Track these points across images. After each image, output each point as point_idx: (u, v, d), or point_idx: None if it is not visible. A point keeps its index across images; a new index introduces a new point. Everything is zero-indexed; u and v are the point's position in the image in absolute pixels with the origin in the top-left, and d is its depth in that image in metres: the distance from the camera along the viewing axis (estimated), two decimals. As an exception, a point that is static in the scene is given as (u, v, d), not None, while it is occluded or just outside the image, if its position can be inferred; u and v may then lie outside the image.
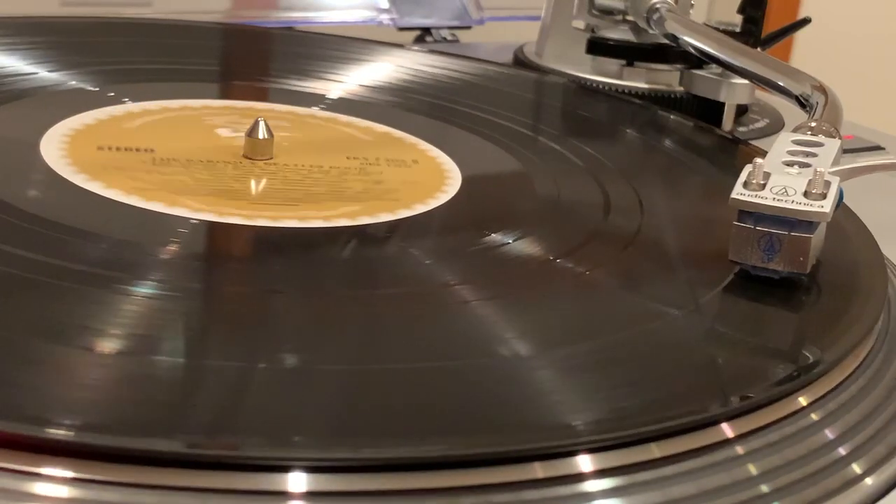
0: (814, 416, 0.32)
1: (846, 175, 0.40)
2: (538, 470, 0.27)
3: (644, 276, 0.40)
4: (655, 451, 0.28)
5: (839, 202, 0.39)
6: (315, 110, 0.53)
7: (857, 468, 0.31)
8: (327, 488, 0.26)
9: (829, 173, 0.38)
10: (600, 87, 0.63)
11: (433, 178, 0.46)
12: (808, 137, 0.42)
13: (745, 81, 0.59)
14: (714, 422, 0.30)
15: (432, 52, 0.66)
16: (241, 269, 0.38)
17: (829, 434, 0.31)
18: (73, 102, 0.49)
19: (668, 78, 0.63)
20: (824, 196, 0.37)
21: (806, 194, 0.37)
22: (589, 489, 0.27)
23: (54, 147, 0.44)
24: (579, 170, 0.49)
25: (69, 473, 0.25)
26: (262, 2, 0.81)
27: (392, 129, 0.51)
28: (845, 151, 0.44)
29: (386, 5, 0.79)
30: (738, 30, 0.65)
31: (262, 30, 0.71)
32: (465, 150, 0.50)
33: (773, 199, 0.37)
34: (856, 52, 1.55)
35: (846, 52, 1.53)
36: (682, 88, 0.62)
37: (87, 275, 0.34)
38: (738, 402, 0.31)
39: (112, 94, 0.51)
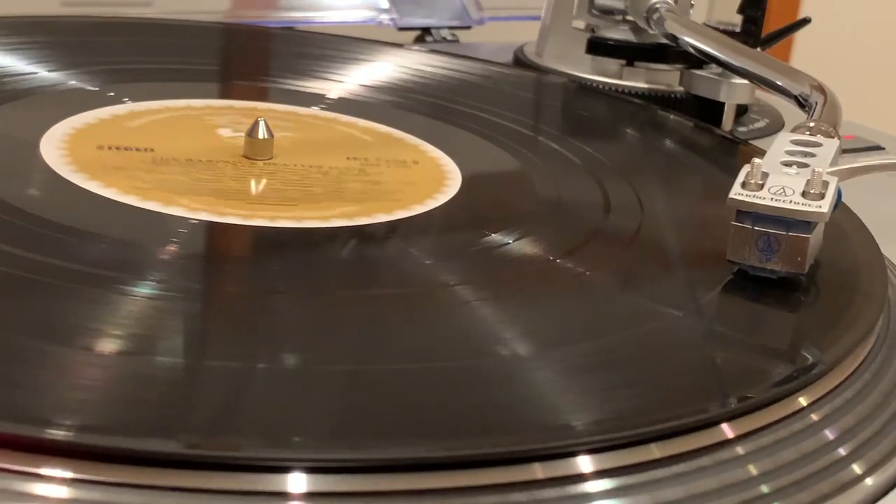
0: (814, 417, 0.32)
1: (845, 175, 0.40)
2: (538, 471, 0.27)
3: (643, 276, 0.40)
4: (655, 451, 0.28)
5: (838, 202, 0.39)
6: (315, 110, 0.53)
7: (857, 468, 0.31)
8: (327, 489, 0.26)
9: (828, 173, 0.38)
10: (600, 87, 0.63)
11: (433, 178, 0.46)
12: (807, 137, 0.42)
13: (745, 81, 0.59)
14: (714, 422, 0.30)
15: (432, 52, 0.66)
16: (240, 269, 0.38)
17: (829, 434, 0.31)
18: (73, 102, 0.49)
19: (668, 78, 0.63)
20: (822, 196, 0.37)
21: (804, 194, 0.37)
22: (589, 490, 0.27)
23: (54, 147, 0.44)
24: (579, 170, 0.49)
25: (69, 474, 0.25)
26: (262, 2, 0.81)
27: (392, 129, 0.51)
28: (845, 151, 0.44)
29: (386, 5, 0.79)
30: (738, 30, 0.65)
31: (262, 30, 0.71)
32: (465, 150, 0.50)
33: (771, 199, 0.37)
34: (856, 52, 1.55)
35: (846, 52, 1.53)
36: (682, 88, 0.62)
37: (87, 275, 0.34)
38: (738, 402, 0.31)
39: (112, 93, 0.51)
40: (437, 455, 0.27)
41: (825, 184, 0.37)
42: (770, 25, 0.67)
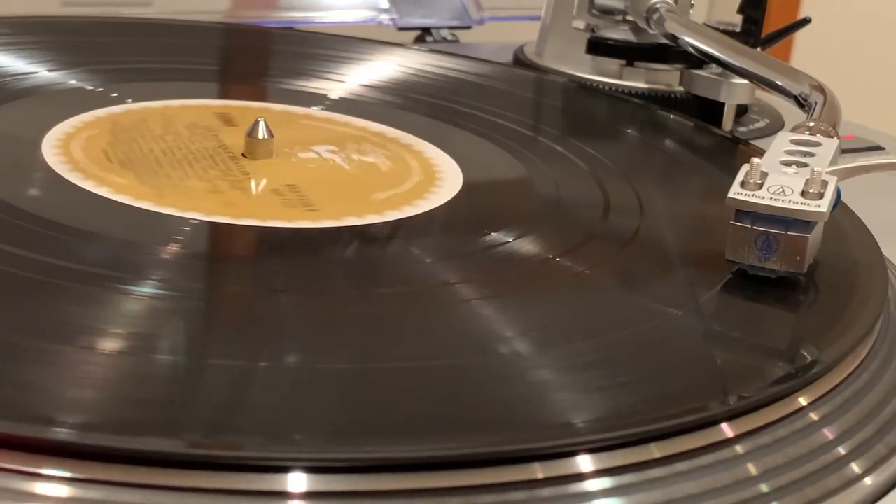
0: (813, 416, 0.32)
1: (844, 175, 0.40)
2: (537, 470, 0.27)
3: (643, 275, 0.40)
4: (655, 451, 0.28)
5: (837, 202, 0.39)
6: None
7: (856, 468, 0.31)
8: (327, 488, 0.26)
9: (827, 173, 0.38)
10: (600, 87, 0.63)
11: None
12: (806, 137, 0.42)
13: (745, 81, 0.59)
14: (714, 421, 0.30)
15: (432, 51, 0.66)
16: (241, 269, 0.38)
17: (829, 434, 0.31)
18: (74, 102, 0.49)
19: (668, 78, 0.63)
20: (821, 196, 0.37)
21: (803, 194, 0.37)
22: (588, 489, 0.27)
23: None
24: (579, 169, 0.49)
25: (69, 473, 0.25)
26: (262, 2, 0.81)
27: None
28: (845, 151, 0.44)
29: (386, 5, 0.79)
30: (738, 30, 0.65)
31: (263, 30, 0.71)
32: (464, 150, 0.50)
33: (770, 198, 0.37)
34: (856, 52, 1.55)
35: (846, 52, 1.53)
36: (682, 88, 0.62)
37: (87, 275, 0.34)
38: (738, 401, 0.31)
39: (114, 94, 0.51)
40: (436, 454, 0.27)
41: (824, 183, 0.37)
42: (770, 25, 0.67)
